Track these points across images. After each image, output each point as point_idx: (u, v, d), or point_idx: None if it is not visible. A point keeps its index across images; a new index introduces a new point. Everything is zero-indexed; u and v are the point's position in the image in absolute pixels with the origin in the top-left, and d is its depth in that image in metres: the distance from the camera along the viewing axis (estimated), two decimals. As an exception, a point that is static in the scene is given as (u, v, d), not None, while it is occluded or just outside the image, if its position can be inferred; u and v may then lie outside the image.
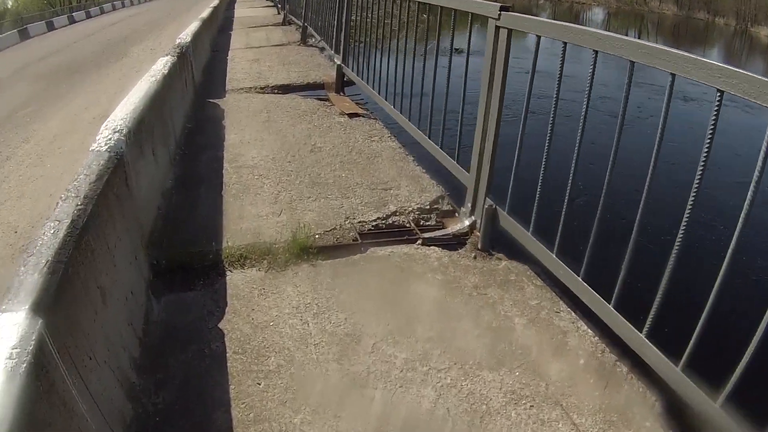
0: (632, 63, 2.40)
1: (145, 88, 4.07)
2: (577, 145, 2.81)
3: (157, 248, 3.39)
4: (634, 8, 60.84)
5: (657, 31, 48.58)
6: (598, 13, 55.69)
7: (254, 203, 4.11)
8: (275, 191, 4.32)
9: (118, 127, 3.08)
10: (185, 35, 7.53)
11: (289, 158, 5.00)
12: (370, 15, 6.37)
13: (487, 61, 3.53)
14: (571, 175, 2.88)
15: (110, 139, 2.91)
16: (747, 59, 42.21)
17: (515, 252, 3.56)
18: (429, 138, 4.53)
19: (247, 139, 5.50)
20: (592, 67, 2.66)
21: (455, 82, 4.17)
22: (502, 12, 3.36)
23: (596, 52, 2.60)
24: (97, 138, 2.92)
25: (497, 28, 3.41)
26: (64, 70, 12.33)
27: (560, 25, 2.91)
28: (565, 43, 2.84)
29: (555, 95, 2.95)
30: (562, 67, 2.88)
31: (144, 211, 3.41)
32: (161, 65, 5.10)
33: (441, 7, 4.18)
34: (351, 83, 7.27)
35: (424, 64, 4.78)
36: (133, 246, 2.90)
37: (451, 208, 4.23)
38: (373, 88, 6.02)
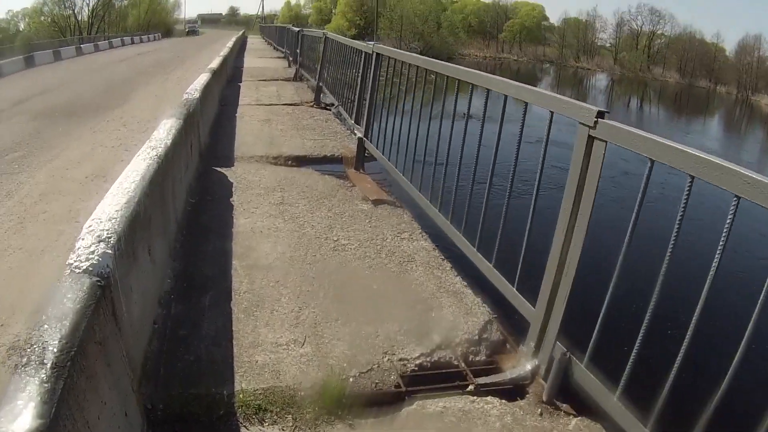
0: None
1: (142, 169, 3.33)
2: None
3: (152, 383, 2.71)
4: (637, 76, 61.75)
5: (659, 99, 49.00)
6: (601, 79, 56.36)
7: (271, 324, 3.37)
8: (295, 306, 3.59)
9: (104, 232, 2.38)
10: (194, 90, 6.89)
11: (309, 258, 4.28)
12: (404, 80, 5.63)
13: (574, 176, 2.87)
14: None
15: (93, 253, 2.20)
16: (747, 128, 42.62)
17: (585, 402, 2.86)
18: (477, 250, 3.83)
19: (260, 227, 4.79)
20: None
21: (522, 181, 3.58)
22: (598, 120, 2.71)
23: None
24: (77, 248, 2.24)
25: (590, 138, 2.76)
26: (62, 110, 11.65)
27: (679, 149, 2.29)
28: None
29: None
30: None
31: (136, 337, 2.69)
32: (164, 132, 4.43)
33: (526, 103, 3.44)
34: (372, 158, 6.60)
35: (478, 154, 3.96)
36: (122, 399, 2.21)
37: (501, 337, 3.53)
38: (403, 174, 5.29)
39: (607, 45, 69.26)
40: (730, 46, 70.35)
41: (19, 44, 43.54)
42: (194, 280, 3.84)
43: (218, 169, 6.39)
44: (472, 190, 4.03)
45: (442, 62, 4.82)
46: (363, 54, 6.92)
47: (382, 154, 5.98)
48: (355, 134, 7.02)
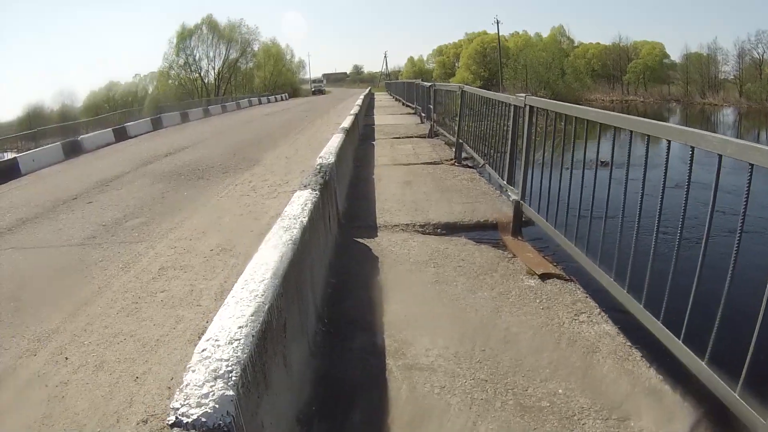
0: None
1: (274, 261, 2.87)
2: None
3: None
4: (764, 106, 57.69)
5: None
6: (728, 114, 53.15)
7: (441, 449, 2.75)
8: (469, 421, 2.99)
9: (223, 364, 1.91)
10: (328, 153, 6.56)
11: (477, 354, 3.65)
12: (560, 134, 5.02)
13: None
14: None
15: (207, 396, 1.76)
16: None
17: None
18: (683, 342, 3.09)
19: (414, 314, 4.22)
20: None
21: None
22: None
23: None
24: (185, 384, 1.81)
25: None
26: (187, 173, 11.90)
27: None
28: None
29: None
30: None
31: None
32: (299, 207, 4.05)
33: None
34: (531, 222, 5.93)
35: (683, 217, 3.21)
36: None
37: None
38: (573, 242, 4.59)
39: (731, 77, 65.26)
40: None
41: (147, 107, 46.44)
42: (340, 387, 3.33)
43: (360, 240, 5.99)
44: (676, 263, 3.26)
45: (613, 113, 4.18)
46: (513, 107, 6.30)
47: (544, 218, 5.30)
48: (509, 196, 6.33)
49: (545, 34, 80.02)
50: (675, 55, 71.38)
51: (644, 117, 4.50)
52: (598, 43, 75.49)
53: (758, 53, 65.20)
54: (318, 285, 4.17)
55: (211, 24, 73.41)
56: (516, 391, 3.22)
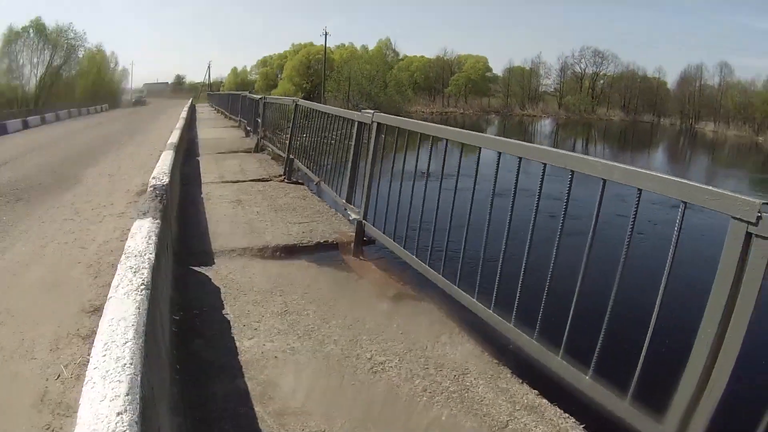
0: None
1: (132, 315, 2.37)
2: None
3: None
4: (582, 117, 63.26)
5: (604, 137, 50.14)
6: (546, 125, 57.43)
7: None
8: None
9: None
10: (161, 174, 6.01)
11: (348, 389, 3.41)
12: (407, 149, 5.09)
13: (724, 281, 2.27)
14: None
15: None
16: (693, 154, 44.05)
17: None
18: (562, 359, 3.13)
19: (271, 350, 3.86)
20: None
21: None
22: (762, 214, 2.13)
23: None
24: None
25: (749, 235, 2.19)
26: (7, 193, 10.45)
27: None
28: None
29: None
30: None
31: None
32: (143, 241, 3.52)
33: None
34: (373, 240, 5.89)
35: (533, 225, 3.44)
36: None
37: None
38: (425, 260, 4.61)
39: (551, 90, 70.82)
40: (672, 78, 73.03)
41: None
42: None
43: (197, 269, 5.45)
44: (525, 270, 3.47)
45: (466, 131, 4.30)
46: (356, 124, 6.16)
47: (390, 237, 5.26)
48: (348, 215, 6.23)
49: (373, 47, 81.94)
50: (499, 69, 75.91)
51: (462, 128, 4.70)
52: (423, 57, 78.32)
53: (581, 68, 71.45)
54: (166, 327, 3.72)
55: (38, 27, 65.88)
56: (399, 424, 3.06)
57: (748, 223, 2.13)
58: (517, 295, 3.45)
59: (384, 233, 5.38)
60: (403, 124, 5.27)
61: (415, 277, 4.96)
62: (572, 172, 3.09)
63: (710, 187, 2.33)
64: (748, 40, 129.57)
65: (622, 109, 67.82)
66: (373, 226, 5.70)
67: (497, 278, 3.64)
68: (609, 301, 2.76)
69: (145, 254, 3.27)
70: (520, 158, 3.50)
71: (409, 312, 4.51)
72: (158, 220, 4.13)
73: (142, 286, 2.73)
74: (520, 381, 3.53)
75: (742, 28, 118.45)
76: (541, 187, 3.38)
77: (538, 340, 3.26)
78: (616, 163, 2.88)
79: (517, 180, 3.58)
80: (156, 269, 3.21)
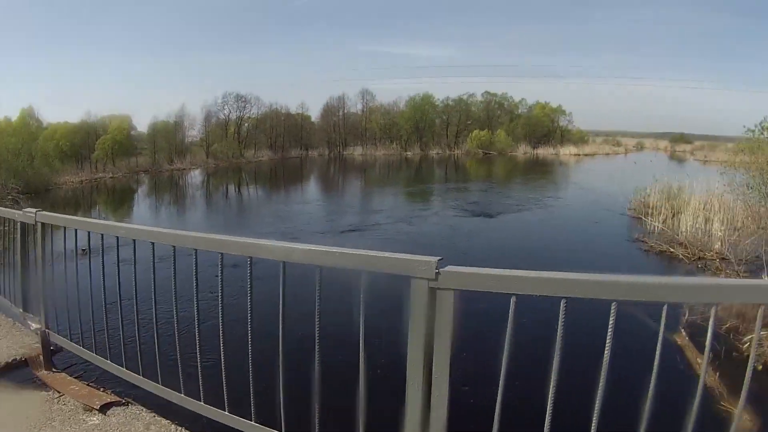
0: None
1: None
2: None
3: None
4: (231, 162, 64.30)
5: (255, 179, 51.47)
6: (196, 176, 57.02)
7: None
8: None
9: None
10: None
11: None
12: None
13: (417, 338, 2.58)
14: None
15: None
16: (344, 176, 47.82)
17: None
18: None
19: None
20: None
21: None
22: (440, 270, 2.49)
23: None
24: None
25: (432, 290, 2.51)
26: None
27: (546, 277, 2.34)
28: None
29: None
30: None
31: None
32: None
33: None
34: (62, 349, 5.24)
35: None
36: None
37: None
38: (114, 361, 4.45)
39: (198, 140, 70.69)
40: (316, 111, 77.72)
41: None
42: None
43: None
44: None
45: (130, 225, 4.29)
46: (18, 225, 5.54)
47: (78, 343, 4.85)
48: (29, 326, 5.54)
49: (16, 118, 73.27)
50: (144, 126, 72.96)
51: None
52: (67, 123, 72.26)
53: (225, 114, 71.84)
54: None
55: None
56: None
57: (429, 279, 2.50)
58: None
59: (71, 341, 4.92)
60: (70, 223, 4.86)
61: (114, 379, 4.61)
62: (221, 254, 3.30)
63: (390, 255, 2.66)
64: (388, 64, 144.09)
65: (270, 149, 70.59)
66: (59, 335, 5.19)
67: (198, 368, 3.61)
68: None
69: None
70: (174, 246, 3.59)
71: (121, 421, 4.18)
72: None
73: None
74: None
75: (383, 54, 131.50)
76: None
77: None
78: (294, 245, 3.09)
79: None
80: None
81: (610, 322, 2.16)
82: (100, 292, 4.40)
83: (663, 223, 20.21)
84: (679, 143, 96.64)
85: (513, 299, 2.33)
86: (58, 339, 5.18)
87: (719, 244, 16.47)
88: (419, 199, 33.47)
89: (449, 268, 2.48)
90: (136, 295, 4.12)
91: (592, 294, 2.21)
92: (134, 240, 3.89)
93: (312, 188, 43.33)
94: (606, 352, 2.18)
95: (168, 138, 67.85)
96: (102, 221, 4.66)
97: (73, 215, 4.54)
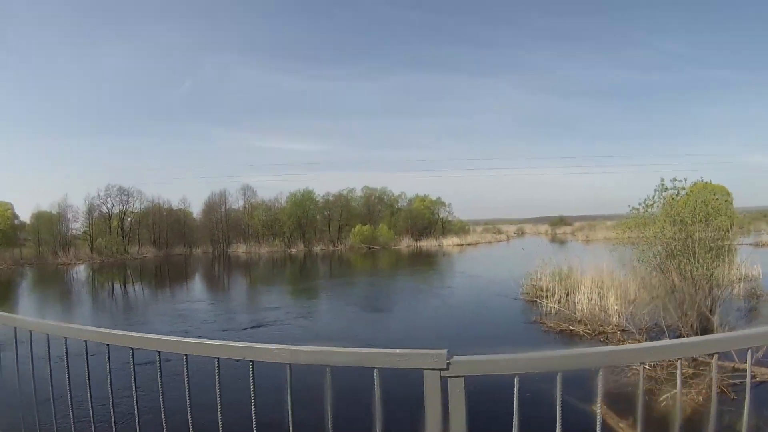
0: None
1: None
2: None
3: None
4: (116, 258, 62.04)
5: (141, 275, 49.79)
6: (81, 272, 54.63)
7: None
8: None
9: None
10: None
11: None
12: None
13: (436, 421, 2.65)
14: None
15: None
16: (232, 274, 46.85)
17: None
18: None
19: None
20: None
21: None
22: (451, 360, 2.63)
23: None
24: None
25: (444, 378, 2.64)
26: None
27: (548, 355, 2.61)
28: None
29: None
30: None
31: None
32: None
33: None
34: None
35: None
36: None
37: None
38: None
39: (82, 233, 68.04)
40: (198, 207, 76.49)
41: None
42: None
43: None
44: None
45: None
46: None
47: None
48: None
49: None
50: (26, 215, 69.09)
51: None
52: None
53: (107, 207, 69.39)
54: None
55: None
56: None
57: (440, 369, 2.64)
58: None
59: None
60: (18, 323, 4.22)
61: None
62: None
63: (400, 350, 2.79)
64: (267, 160, 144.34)
65: (153, 245, 68.73)
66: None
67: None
68: None
69: None
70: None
71: None
72: None
73: None
74: None
75: (255, 149, 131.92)
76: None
77: None
78: (300, 347, 2.99)
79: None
80: None
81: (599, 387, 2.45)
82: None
83: (558, 303, 20.72)
84: (559, 226, 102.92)
85: (516, 379, 2.51)
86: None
87: (617, 317, 17.21)
88: (313, 295, 33.08)
89: (456, 357, 2.62)
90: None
91: (584, 365, 2.49)
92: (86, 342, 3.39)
93: (203, 286, 41.98)
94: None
95: (51, 230, 64.79)
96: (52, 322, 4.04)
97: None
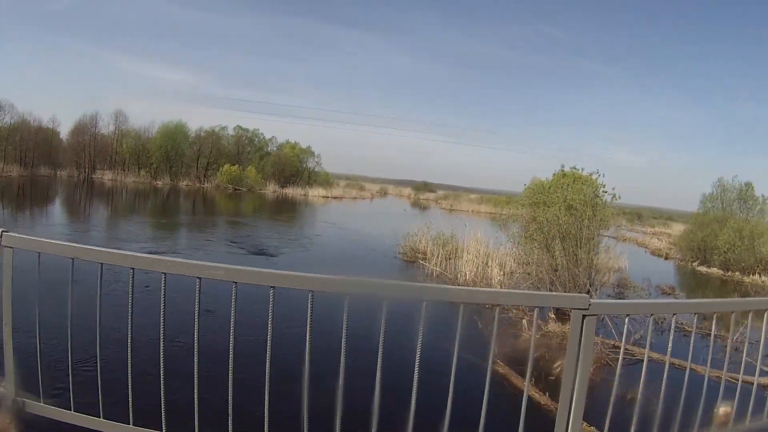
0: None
1: None
2: None
3: None
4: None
5: (3, 195, 45.10)
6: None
7: None
8: None
9: None
10: None
11: None
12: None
13: (572, 356, 3.39)
14: None
15: None
16: (93, 205, 44.42)
17: None
18: None
19: None
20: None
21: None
22: (591, 302, 3.25)
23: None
24: None
25: (584, 317, 3.33)
26: None
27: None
28: None
29: None
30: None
31: None
32: None
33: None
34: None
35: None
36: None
37: None
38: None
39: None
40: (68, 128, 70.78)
41: None
42: None
43: None
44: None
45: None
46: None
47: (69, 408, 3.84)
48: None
49: None
50: None
51: None
52: None
53: None
54: None
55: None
56: None
57: (582, 309, 3.26)
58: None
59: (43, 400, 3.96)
60: (45, 247, 3.65)
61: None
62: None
63: (556, 293, 3.40)
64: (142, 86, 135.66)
65: (18, 163, 63.06)
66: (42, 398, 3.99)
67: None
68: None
69: None
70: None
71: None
72: None
73: None
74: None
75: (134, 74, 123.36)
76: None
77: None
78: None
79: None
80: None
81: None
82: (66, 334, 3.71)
83: (439, 266, 21.88)
84: (423, 191, 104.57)
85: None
86: (37, 407, 4.03)
87: (498, 286, 18.46)
88: (177, 229, 31.20)
89: (594, 300, 3.25)
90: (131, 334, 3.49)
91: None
92: (132, 269, 3.35)
93: (56, 213, 39.13)
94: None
95: None
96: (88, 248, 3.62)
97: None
